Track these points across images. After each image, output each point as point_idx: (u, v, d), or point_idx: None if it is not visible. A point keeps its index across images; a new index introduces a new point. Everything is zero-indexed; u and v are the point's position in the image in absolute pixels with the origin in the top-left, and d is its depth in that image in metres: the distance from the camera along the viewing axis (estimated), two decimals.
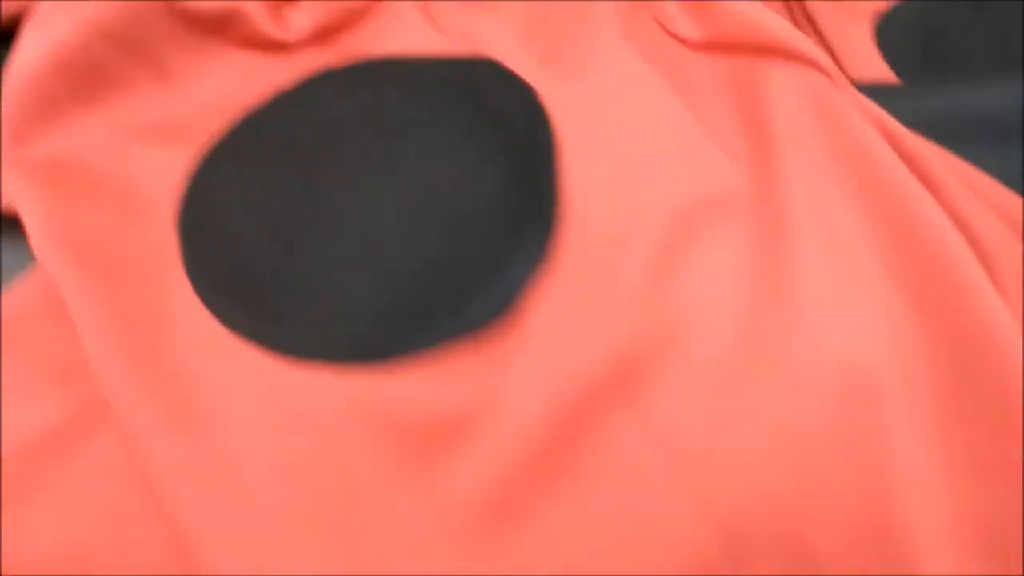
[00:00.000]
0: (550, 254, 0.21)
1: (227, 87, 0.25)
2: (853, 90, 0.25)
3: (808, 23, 0.32)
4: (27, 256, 0.21)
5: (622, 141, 0.22)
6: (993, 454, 0.18)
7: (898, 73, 0.30)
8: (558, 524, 0.18)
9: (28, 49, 0.23)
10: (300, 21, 0.26)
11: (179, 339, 0.20)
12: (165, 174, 0.23)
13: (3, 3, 0.27)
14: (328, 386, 0.20)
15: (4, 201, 0.23)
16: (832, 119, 0.24)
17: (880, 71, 0.29)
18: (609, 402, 0.19)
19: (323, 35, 0.26)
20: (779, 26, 0.26)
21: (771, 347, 0.19)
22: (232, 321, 0.20)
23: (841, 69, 0.28)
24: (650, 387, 0.19)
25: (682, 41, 0.27)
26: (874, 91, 0.28)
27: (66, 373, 0.20)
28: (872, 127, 0.24)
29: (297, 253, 0.21)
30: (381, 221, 0.22)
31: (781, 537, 0.18)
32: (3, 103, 0.23)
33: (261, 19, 0.25)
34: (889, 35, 0.32)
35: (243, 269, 0.21)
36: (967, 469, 0.18)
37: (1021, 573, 0.18)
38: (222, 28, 0.25)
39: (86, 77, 0.24)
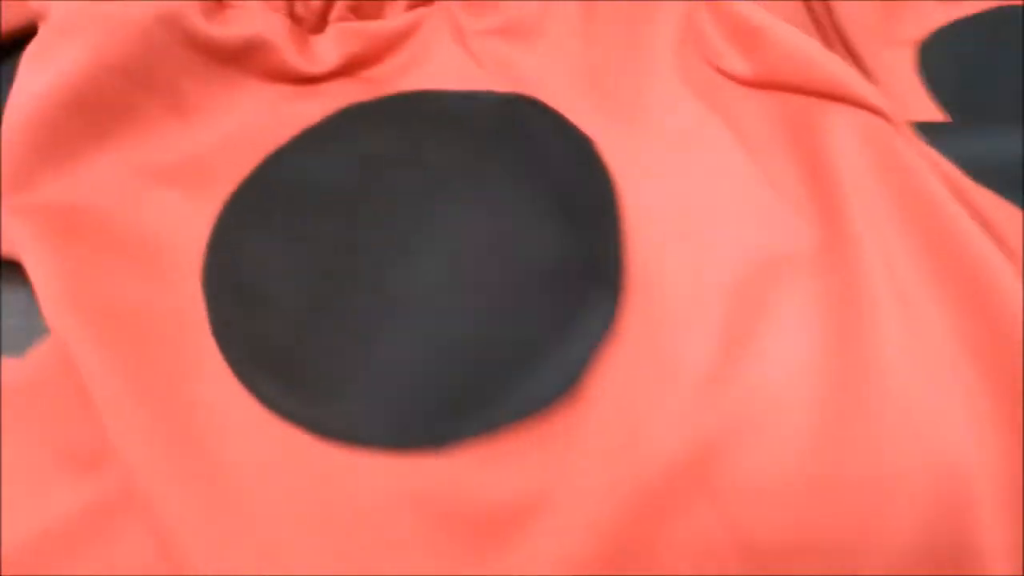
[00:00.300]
0: (616, 322, 0.19)
1: (250, 122, 0.23)
2: (915, 138, 0.24)
3: (845, 51, 0.31)
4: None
5: (686, 196, 0.21)
6: None
7: (944, 107, 0.29)
8: None
9: (30, 81, 0.21)
10: (327, 52, 0.24)
11: (211, 416, 0.18)
12: (188, 222, 0.21)
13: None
14: (375, 470, 0.18)
15: (4, 248, 0.21)
16: (897, 171, 0.22)
17: (926, 109, 0.28)
18: (683, 488, 0.18)
19: (351, 67, 0.24)
20: (835, 66, 0.24)
21: (853, 436, 0.18)
22: (268, 397, 0.19)
23: (886, 99, 0.27)
24: (726, 472, 0.18)
25: (732, 78, 0.25)
26: (922, 131, 0.27)
27: (83, 454, 0.18)
28: (938, 179, 0.22)
29: (338, 319, 0.20)
30: (429, 282, 0.20)
31: None
32: (3, 141, 0.21)
33: (286, 49, 0.23)
34: (933, 65, 0.31)
35: (279, 337, 0.19)
36: None
37: None
38: (244, 59, 0.23)
39: (96, 113, 0.21)
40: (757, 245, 0.21)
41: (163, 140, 0.22)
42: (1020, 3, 0.33)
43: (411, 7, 0.25)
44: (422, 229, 0.21)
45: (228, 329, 0.19)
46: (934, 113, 0.28)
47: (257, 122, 0.23)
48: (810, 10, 0.32)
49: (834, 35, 0.31)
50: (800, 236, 0.21)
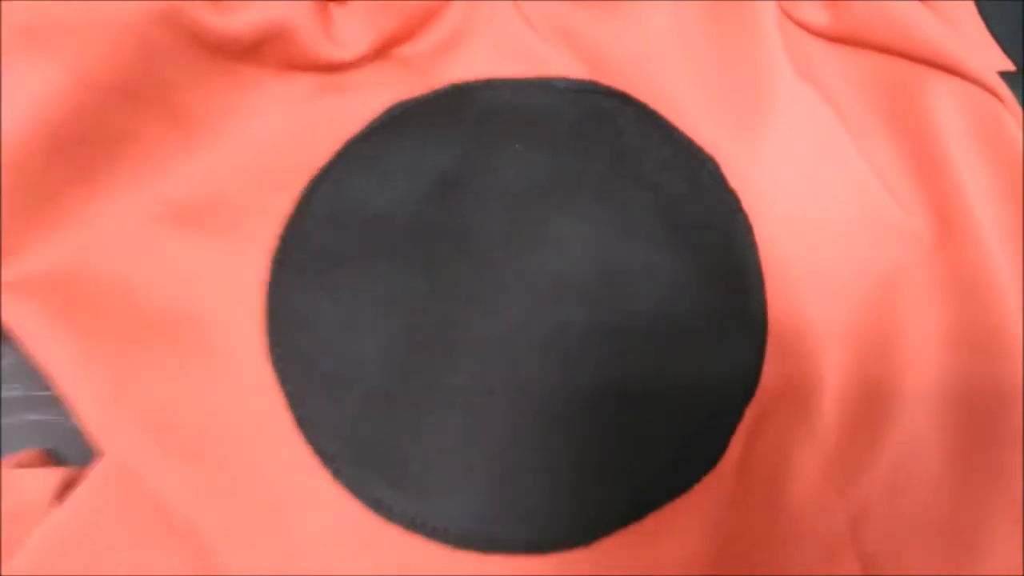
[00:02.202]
0: (762, 374, 0.17)
1: (271, 132, 0.18)
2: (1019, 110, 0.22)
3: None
4: None
5: (810, 218, 0.19)
6: None
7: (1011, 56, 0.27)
8: None
9: (10, 97, 0.16)
10: (355, 31, 0.19)
11: (307, 516, 0.16)
12: (224, 279, 0.17)
13: None
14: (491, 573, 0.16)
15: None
16: (1006, 151, 0.21)
17: (999, 60, 0.26)
18: (836, 556, 0.17)
19: (387, 49, 0.19)
20: (932, 28, 0.22)
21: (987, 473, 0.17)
22: (370, 495, 0.16)
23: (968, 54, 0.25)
24: (875, 532, 0.17)
25: (812, 31, 0.22)
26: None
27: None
28: None
29: (429, 400, 0.17)
30: (527, 348, 0.17)
31: None
32: None
33: (309, 33, 0.18)
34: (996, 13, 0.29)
35: (370, 428, 0.16)
36: None
37: None
38: (259, 52, 0.18)
39: (82, 148, 0.17)
40: (877, 266, 0.19)
41: (169, 170, 0.18)
42: None
43: None
44: (507, 274, 0.18)
45: (312, 418, 0.16)
46: (1005, 63, 0.26)
47: (282, 134, 0.19)
48: None
49: None
50: (916, 241, 0.19)
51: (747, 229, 0.18)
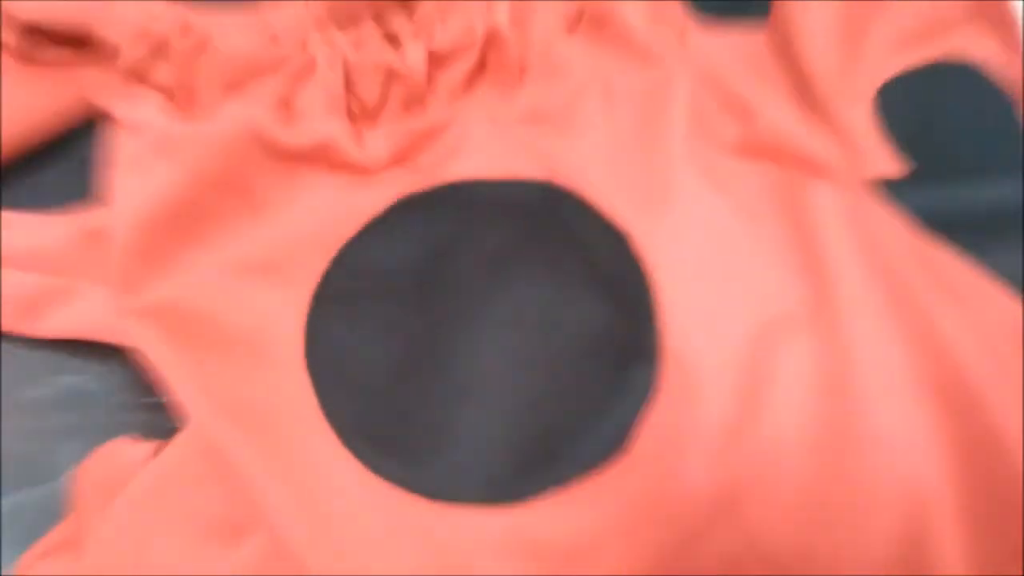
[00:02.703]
0: (655, 389, 0.24)
1: (319, 216, 0.26)
2: (886, 204, 0.29)
3: (813, 109, 0.36)
4: None
5: (706, 276, 0.25)
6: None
7: (904, 159, 0.34)
8: None
9: (130, 194, 0.24)
10: (379, 146, 0.27)
11: (328, 484, 0.22)
12: (279, 315, 0.25)
13: None
14: (469, 523, 0.22)
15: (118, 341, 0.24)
16: (870, 238, 0.27)
17: (888, 164, 0.33)
18: (717, 520, 0.23)
19: (401, 158, 0.27)
20: (821, 147, 0.29)
21: (842, 470, 0.23)
22: (377, 465, 0.23)
23: (853, 162, 0.32)
24: (750, 504, 0.23)
25: (726, 148, 0.29)
26: (886, 186, 0.31)
27: (228, 527, 0.22)
28: (904, 243, 0.27)
29: (424, 396, 0.24)
30: (495, 362, 0.24)
31: None
32: (121, 246, 0.24)
33: (347, 147, 0.26)
34: (891, 116, 0.35)
35: (380, 414, 0.23)
36: None
37: None
38: (311, 158, 0.26)
39: (189, 219, 0.25)
40: (765, 308, 0.25)
41: (245, 238, 0.25)
42: (968, 55, 0.37)
43: (451, 99, 0.28)
44: (482, 311, 0.25)
45: (334, 408, 0.23)
46: (896, 165, 0.32)
47: (324, 213, 0.26)
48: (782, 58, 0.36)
49: (801, 88, 0.36)
50: (796, 299, 0.26)
51: (650, 288, 0.25)
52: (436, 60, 0.28)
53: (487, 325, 0.25)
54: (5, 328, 0.25)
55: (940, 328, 0.25)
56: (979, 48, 0.37)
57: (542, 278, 0.26)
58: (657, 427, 0.23)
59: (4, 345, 0.25)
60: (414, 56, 0.27)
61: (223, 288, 0.25)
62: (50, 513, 0.23)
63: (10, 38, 0.27)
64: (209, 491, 0.22)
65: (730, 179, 0.28)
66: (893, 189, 0.30)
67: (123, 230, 0.24)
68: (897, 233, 0.28)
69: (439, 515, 0.22)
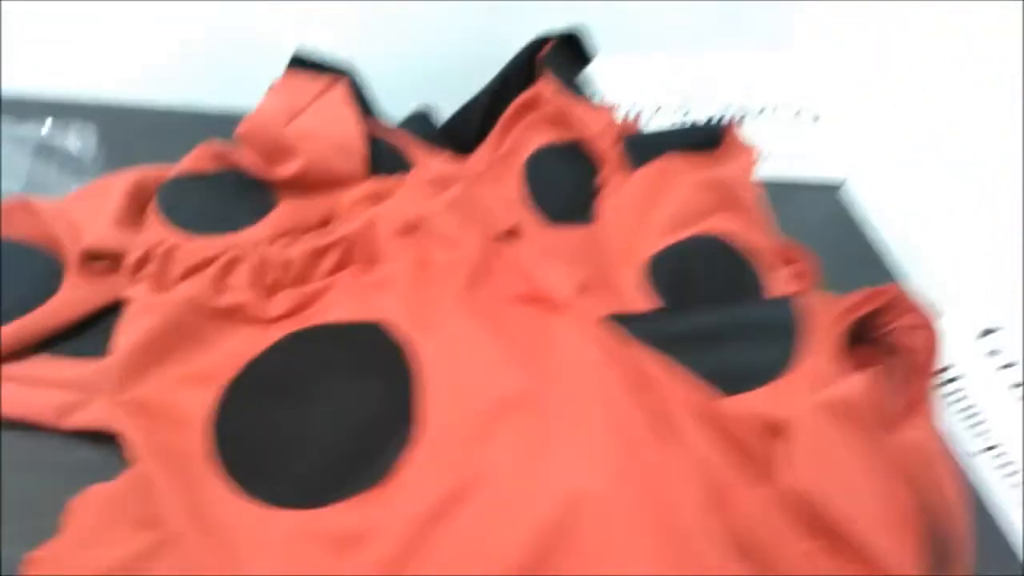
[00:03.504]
0: (413, 441, 0.38)
1: (238, 348, 0.43)
2: (611, 328, 0.43)
3: (601, 268, 0.52)
4: None
5: (458, 366, 0.40)
6: None
7: (663, 301, 0.49)
8: None
9: (125, 336, 0.42)
10: (279, 306, 0.44)
11: (212, 495, 0.37)
12: (204, 405, 0.41)
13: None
14: (297, 520, 0.37)
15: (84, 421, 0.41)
16: (590, 351, 0.42)
17: (645, 303, 0.48)
18: (442, 519, 0.36)
19: (292, 312, 0.45)
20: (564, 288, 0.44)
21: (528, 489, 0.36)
22: (242, 483, 0.38)
23: (621, 301, 0.47)
24: (463, 509, 0.36)
25: (499, 297, 0.45)
26: (637, 317, 0.46)
27: (147, 522, 0.37)
28: (610, 352, 0.42)
29: (279, 441, 0.39)
30: (316, 423, 0.40)
31: None
32: (115, 366, 0.41)
33: (258, 307, 0.44)
34: (654, 275, 0.51)
35: (252, 453, 0.39)
36: None
37: None
38: (234, 313, 0.44)
39: (158, 350, 0.42)
40: (494, 393, 0.40)
41: (190, 361, 0.42)
42: (718, 231, 0.53)
43: (329, 274, 0.46)
44: (310, 398, 0.41)
45: (223, 450, 0.39)
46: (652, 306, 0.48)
47: (242, 348, 0.43)
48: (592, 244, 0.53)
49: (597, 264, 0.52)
50: (520, 388, 0.40)
51: (415, 375, 0.40)
52: (319, 252, 0.46)
53: (314, 403, 0.41)
54: (46, 423, 0.42)
55: (632, 418, 0.39)
56: (726, 226, 0.53)
57: (350, 371, 0.42)
58: (414, 463, 0.38)
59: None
60: (299, 251, 0.45)
61: (173, 389, 0.41)
62: None
63: (74, 257, 0.47)
64: (139, 499, 0.37)
65: (497, 315, 0.44)
66: (626, 320, 0.45)
67: (118, 357, 0.41)
68: (609, 346, 0.42)
69: (278, 514, 0.37)
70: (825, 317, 0.45)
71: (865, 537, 0.36)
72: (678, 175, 0.56)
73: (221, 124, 0.56)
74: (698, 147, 0.58)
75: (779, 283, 0.50)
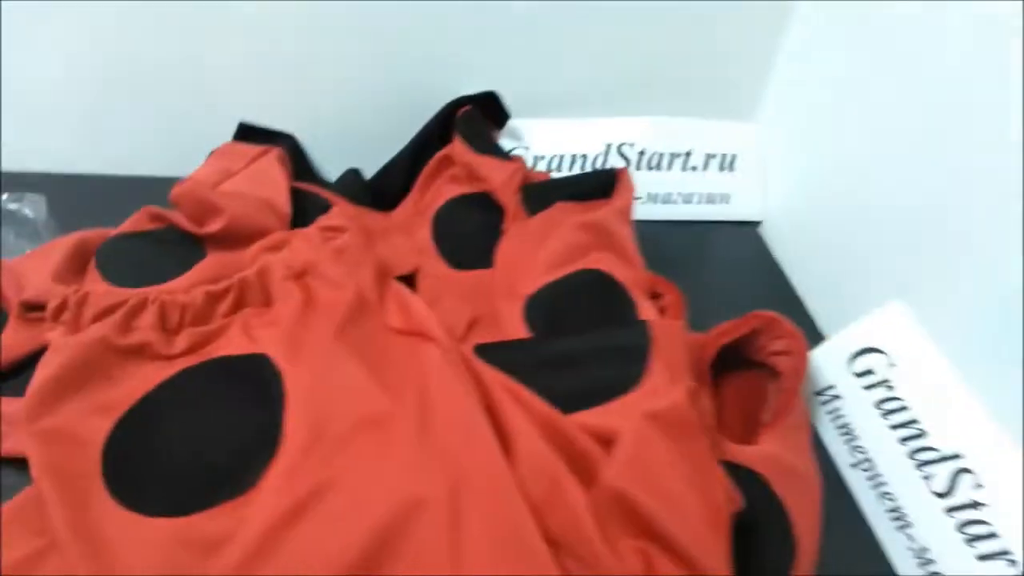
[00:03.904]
0: (278, 455, 0.43)
1: (140, 383, 0.49)
2: (475, 354, 0.48)
3: (490, 306, 0.57)
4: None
5: (324, 391, 0.45)
6: None
7: (538, 333, 0.54)
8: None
9: (39, 372, 0.47)
10: (180, 344, 0.50)
11: (99, 509, 0.42)
12: (100, 431, 0.46)
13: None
14: (169, 528, 0.41)
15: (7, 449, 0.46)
16: (449, 379, 0.46)
17: (523, 335, 0.53)
18: (293, 522, 0.40)
19: (191, 349, 0.50)
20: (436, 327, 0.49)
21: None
22: (122, 498, 0.42)
23: (505, 335, 0.52)
24: (312, 513, 0.40)
25: (389, 327, 0.50)
26: (501, 346, 0.51)
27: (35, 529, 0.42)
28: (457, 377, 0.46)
29: (159, 459, 0.44)
30: (193, 443, 0.45)
31: None
32: (28, 399, 0.46)
33: (162, 345, 0.49)
34: (532, 309, 0.56)
35: (134, 471, 0.44)
36: None
37: None
38: (140, 351, 0.49)
39: (67, 385, 0.47)
40: (356, 412, 0.44)
41: (94, 395, 0.48)
42: (593, 267, 0.58)
43: (226, 315, 0.51)
44: (196, 419, 0.46)
45: (110, 470, 0.44)
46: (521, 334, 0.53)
47: (141, 380, 0.49)
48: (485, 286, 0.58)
49: (486, 295, 0.57)
50: (380, 407, 0.45)
51: (282, 397, 0.45)
52: (217, 296, 0.51)
53: (197, 424, 0.46)
54: None
55: (478, 433, 0.44)
56: (600, 263, 0.58)
57: (231, 398, 0.47)
58: (277, 473, 0.42)
59: None
60: (199, 294, 0.51)
61: (79, 420, 0.47)
62: None
63: (13, 307, 0.53)
64: (34, 512, 0.42)
65: (368, 345, 0.49)
66: (491, 349, 0.50)
67: (31, 391, 0.47)
68: (466, 371, 0.47)
69: (151, 523, 0.41)
70: (676, 339, 0.49)
71: (678, 535, 0.40)
72: (565, 219, 0.61)
73: (166, 190, 0.62)
74: (588, 194, 0.64)
75: (647, 313, 0.54)
